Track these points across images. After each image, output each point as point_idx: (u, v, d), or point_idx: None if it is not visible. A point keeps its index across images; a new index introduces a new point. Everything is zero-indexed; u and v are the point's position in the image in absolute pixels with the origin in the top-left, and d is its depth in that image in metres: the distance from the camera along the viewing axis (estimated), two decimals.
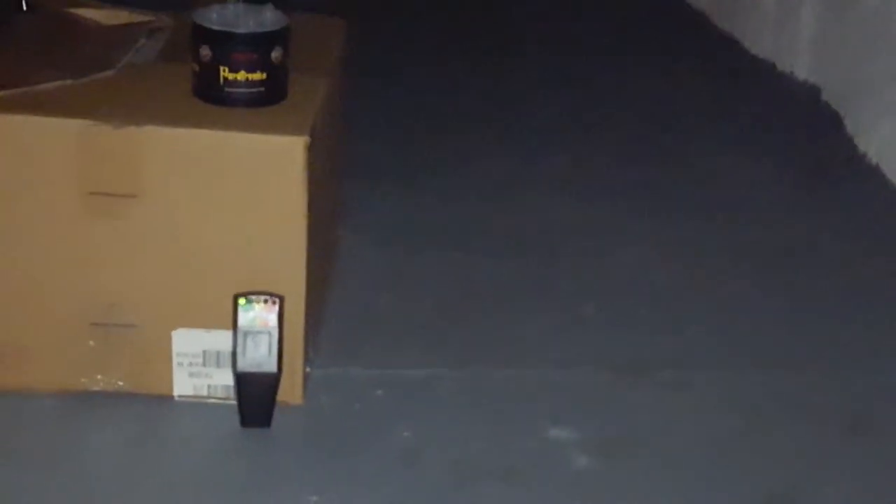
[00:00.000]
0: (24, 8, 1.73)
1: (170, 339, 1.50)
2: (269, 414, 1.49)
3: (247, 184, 1.45)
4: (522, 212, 2.11)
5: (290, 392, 1.52)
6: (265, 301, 1.45)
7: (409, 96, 2.57)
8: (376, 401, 1.57)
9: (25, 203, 1.45)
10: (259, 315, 1.45)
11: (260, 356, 1.46)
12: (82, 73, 1.53)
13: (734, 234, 2.08)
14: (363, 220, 2.00)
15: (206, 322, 1.49)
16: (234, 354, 1.47)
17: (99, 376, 1.51)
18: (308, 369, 1.56)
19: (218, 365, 1.50)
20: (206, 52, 1.47)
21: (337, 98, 1.71)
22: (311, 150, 1.44)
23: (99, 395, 1.52)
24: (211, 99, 1.48)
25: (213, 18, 1.48)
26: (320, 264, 1.64)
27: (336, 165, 1.78)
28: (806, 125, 2.54)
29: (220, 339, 1.49)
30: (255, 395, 1.48)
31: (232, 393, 1.50)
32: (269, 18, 1.50)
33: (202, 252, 1.47)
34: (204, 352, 1.50)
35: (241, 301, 1.45)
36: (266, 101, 1.49)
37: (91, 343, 1.50)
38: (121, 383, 1.52)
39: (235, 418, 1.49)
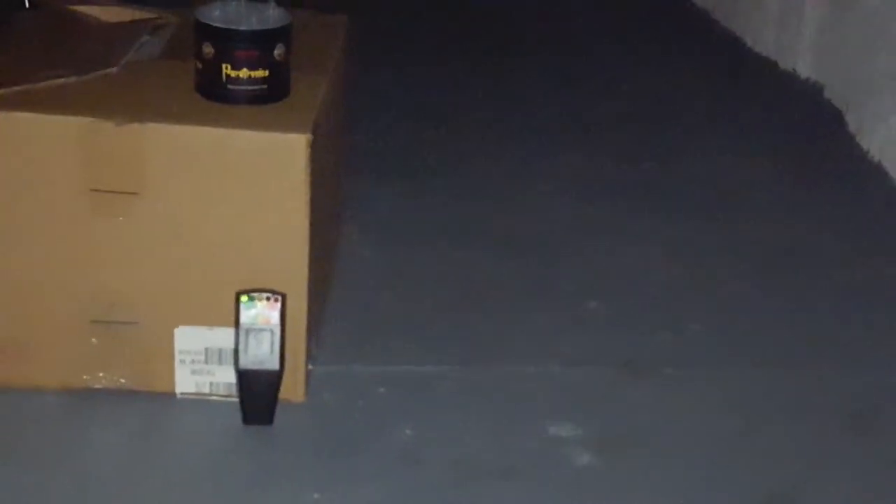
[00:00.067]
0: (27, 5, 1.73)
1: (172, 336, 1.50)
2: (271, 411, 1.49)
3: (249, 181, 1.45)
4: (522, 212, 2.11)
5: (292, 389, 1.52)
6: (267, 298, 1.45)
7: (410, 96, 2.57)
8: (378, 398, 1.57)
9: (27, 200, 1.45)
10: (261, 312, 1.45)
11: (262, 353, 1.46)
12: (84, 70, 1.53)
13: (734, 234, 2.08)
14: (364, 218, 2.00)
15: (208, 319, 1.49)
16: (236, 352, 1.47)
17: (101, 374, 1.51)
18: (310, 367, 1.57)
19: (220, 362, 1.51)
20: (208, 49, 1.47)
21: (339, 96, 1.71)
22: (313, 147, 1.44)
23: (101, 392, 1.52)
24: (213, 96, 1.48)
25: (215, 16, 1.48)
26: (322, 262, 1.64)
27: (337, 163, 1.78)
28: (808, 124, 2.54)
29: (223, 337, 1.49)
30: (257, 393, 1.48)
31: (234, 390, 1.50)
32: (272, 16, 1.50)
33: (204, 249, 1.47)
34: (206, 349, 1.50)
35: (244, 298, 1.45)
36: (268, 99, 1.49)
37: (93, 340, 1.50)
38: (123, 381, 1.52)
39: (237, 416, 1.49)
